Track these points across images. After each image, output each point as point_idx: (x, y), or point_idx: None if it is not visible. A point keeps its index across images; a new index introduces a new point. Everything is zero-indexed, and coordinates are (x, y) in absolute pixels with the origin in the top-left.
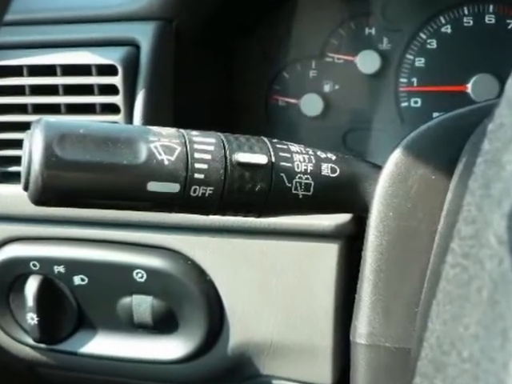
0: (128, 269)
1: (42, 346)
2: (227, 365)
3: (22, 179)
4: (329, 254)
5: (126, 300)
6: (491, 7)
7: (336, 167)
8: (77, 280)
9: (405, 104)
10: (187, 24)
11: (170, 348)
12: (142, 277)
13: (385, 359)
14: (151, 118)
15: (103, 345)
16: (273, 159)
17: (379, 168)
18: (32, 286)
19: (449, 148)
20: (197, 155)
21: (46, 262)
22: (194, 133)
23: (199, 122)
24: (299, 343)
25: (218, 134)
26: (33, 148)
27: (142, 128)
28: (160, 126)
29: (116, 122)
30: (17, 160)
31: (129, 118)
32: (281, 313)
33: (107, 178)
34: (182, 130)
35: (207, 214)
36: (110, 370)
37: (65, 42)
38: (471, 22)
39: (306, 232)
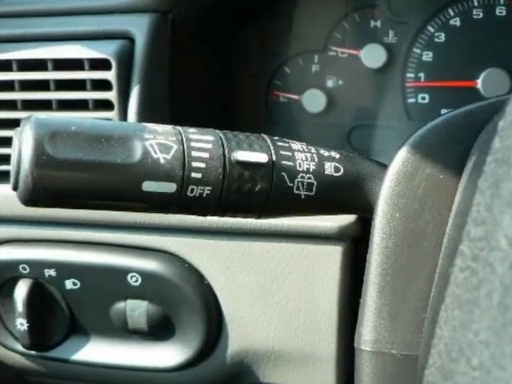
0: (122, 272)
1: (32, 352)
2: (226, 373)
3: (12, 179)
4: (332, 256)
5: (120, 305)
6: None
7: (340, 166)
8: (68, 284)
9: (412, 100)
10: (184, 16)
11: (166, 355)
12: (136, 281)
13: (391, 367)
14: (146, 115)
15: (96, 352)
16: (273, 158)
17: (385, 167)
18: (22, 290)
19: (457, 146)
20: (194, 153)
21: (37, 265)
22: (192, 130)
23: (196, 119)
24: (301, 350)
25: (217, 131)
26: (23, 146)
27: (137, 125)
28: (156, 122)
29: (109, 119)
30: (5, 159)
31: (123, 115)
32: (282, 318)
33: (100, 178)
34: (178, 128)
35: (205, 214)
36: (104, 378)
37: (56, 35)
38: (481, 14)
39: (309, 234)
